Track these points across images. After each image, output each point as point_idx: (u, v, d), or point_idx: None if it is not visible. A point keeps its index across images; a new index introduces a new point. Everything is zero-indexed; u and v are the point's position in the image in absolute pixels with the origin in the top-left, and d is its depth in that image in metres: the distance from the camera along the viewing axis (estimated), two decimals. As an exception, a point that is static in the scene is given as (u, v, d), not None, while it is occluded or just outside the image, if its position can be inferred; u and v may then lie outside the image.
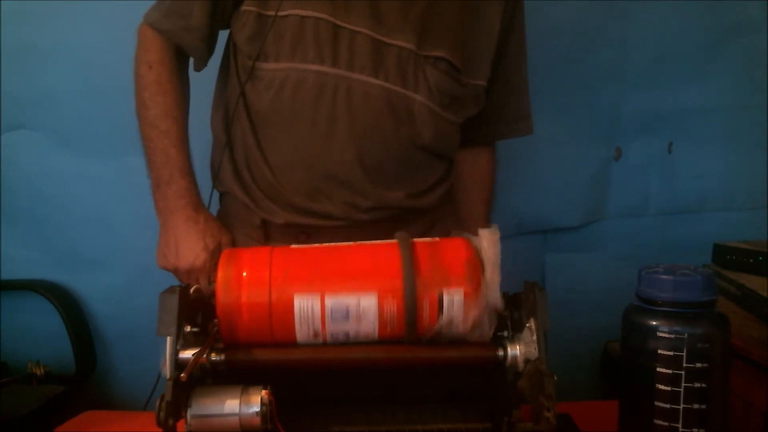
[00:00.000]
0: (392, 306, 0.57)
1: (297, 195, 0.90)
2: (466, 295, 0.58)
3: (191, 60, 0.95)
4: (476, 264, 0.59)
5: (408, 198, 0.94)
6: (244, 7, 0.86)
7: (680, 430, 0.56)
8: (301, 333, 0.58)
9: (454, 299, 0.58)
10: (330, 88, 0.86)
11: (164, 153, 0.90)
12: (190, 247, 0.90)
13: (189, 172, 0.92)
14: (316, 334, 0.58)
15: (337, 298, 0.58)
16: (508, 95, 1.04)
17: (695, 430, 0.56)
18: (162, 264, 0.94)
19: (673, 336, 0.56)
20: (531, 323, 0.57)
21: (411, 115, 0.89)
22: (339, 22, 0.84)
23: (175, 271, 0.93)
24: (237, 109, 0.92)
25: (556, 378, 0.52)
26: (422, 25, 0.88)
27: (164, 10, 0.90)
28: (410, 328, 0.57)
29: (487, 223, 1.06)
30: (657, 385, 0.57)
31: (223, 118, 0.95)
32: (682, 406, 0.56)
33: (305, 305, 0.57)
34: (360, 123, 0.87)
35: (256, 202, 0.93)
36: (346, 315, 0.58)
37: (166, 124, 0.90)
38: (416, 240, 0.62)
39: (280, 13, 0.84)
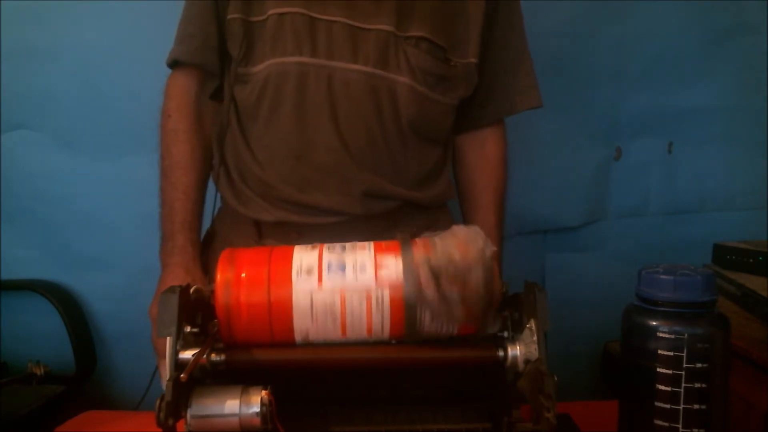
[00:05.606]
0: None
1: (287, 187, 0.90)
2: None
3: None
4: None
5: (404, 188, 0.93)
6: (229, 16, 0.89)
7: (680, 430, 0.56)
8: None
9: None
10: (311, 78, 0.87)
11: (169, 206, 0.92)
12: None
13: (189, 228, 0.92)
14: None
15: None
16: (503, 70, 1.00)
17: (695, 430, 0.56)
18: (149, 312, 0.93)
19: (673, 336, 0.56)
20: (531, 323, 0.57)
21: (394, 97, 0.89)
22: (315, 14, 0.87)
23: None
24: (228, 116, 0.93)
25: (556, 378, 0.52)
26: (400, 9, 0.89)
27: (178, 39, 0.94)
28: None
29: (495, 215, 1.03)
30: (657, 385, 0.57)
31: (217, 132, 0.96)
32: (682, 406, 0.56)
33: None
34: (342, 109, 0.88)
35: (245, 204, 0.93)
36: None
37: (175, 175, 0.92)
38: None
39: (262, 17, 0.87)
